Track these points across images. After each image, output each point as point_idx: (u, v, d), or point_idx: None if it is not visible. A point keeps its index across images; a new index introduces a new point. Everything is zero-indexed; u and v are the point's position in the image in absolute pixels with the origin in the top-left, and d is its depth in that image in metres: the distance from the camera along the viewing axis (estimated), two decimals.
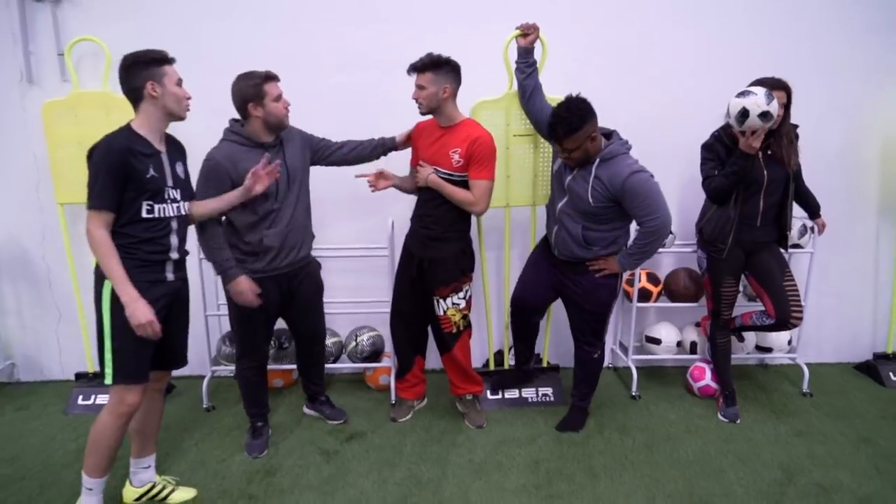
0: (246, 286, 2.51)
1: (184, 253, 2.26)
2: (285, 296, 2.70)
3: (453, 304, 2.87)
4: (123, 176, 2.02)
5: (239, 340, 2.75)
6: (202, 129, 3.17)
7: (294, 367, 3.22)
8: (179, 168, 2.24)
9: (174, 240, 2.19)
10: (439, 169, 2.69)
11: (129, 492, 2.42)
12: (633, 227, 2.69)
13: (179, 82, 2.14)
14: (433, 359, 3.16)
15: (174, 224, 2.19)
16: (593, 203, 2.53)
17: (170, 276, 2.21)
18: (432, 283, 2.84)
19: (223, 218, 2.55)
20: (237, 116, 2.52)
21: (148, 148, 2.10)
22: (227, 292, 2.58)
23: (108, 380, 2.12)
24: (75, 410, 3.17)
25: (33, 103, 3.11)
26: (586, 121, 2.45)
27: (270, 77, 2.45)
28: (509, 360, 3.39)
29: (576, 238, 2.64)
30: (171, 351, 2.31)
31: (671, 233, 3.26)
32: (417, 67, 2.60)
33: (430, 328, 3.06)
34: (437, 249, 2.81)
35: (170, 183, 2.16)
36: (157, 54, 2.07)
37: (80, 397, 3.23)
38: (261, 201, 2.48)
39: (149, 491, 2.43)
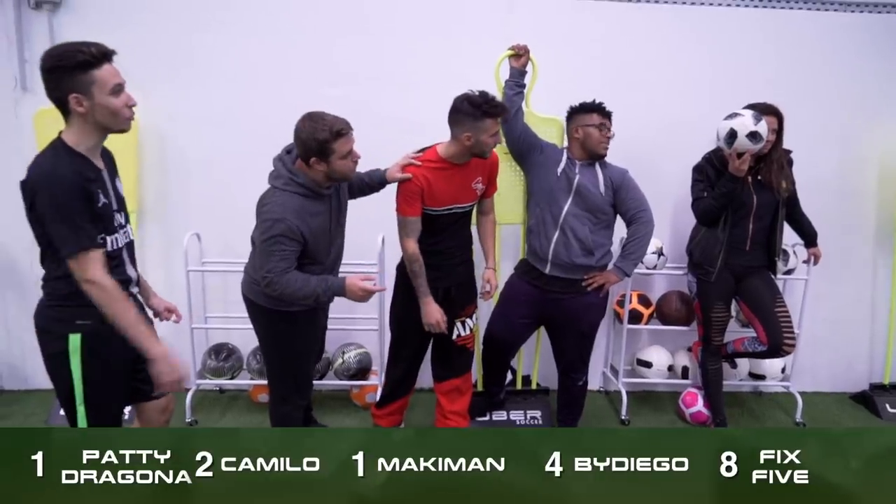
0: (364, 288, 2.20)
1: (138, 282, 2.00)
2: None
3: (476, 318, 2.86)
4: (85, 206, 1.69)
5: (292, 380, 2.46)
6: (198, 144, 3.22)
7: None
8: (119, 185, 1.91)
9: (131, 272, 1.91)
10: (459, 205, 2.57)
11: None
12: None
13: (116, 89, 1.69)
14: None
15: (125, 254, 1.89)
16: (604, 196, 2.65)
17: (143, 311, 1.98)
18: (459, 306, 2.73)
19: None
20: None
21: (92, 170, 1.75)
22: (273, 332, 2.36)
23: None
24: (56, 421, 3.12)
25: (27, 111, 3.09)
26: None
27: (340, 133, 2.11)
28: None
29: (584, 242, 2.65)
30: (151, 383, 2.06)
31: (663, 254, 3.25)
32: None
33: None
34: (466, 272, 2.76)
35: (115, 206, 1.84)
36: (83, 55, 1.63)
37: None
38: (320, 252, 2.27)
39: None
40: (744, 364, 3.39)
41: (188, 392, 3.21)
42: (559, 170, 2.69)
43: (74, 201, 1.67)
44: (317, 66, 3.16)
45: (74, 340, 1.76)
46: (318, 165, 2.15)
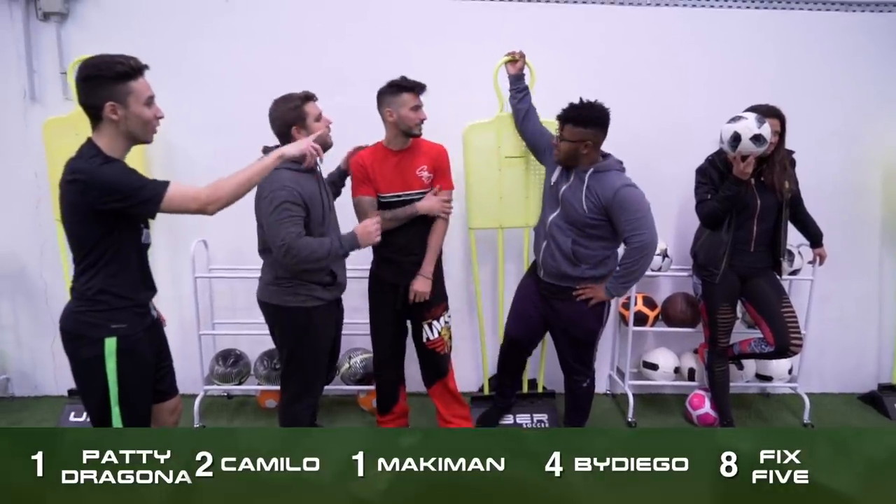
0: (371, 224, 2.40)
1: None
2: None
3: (445, 322, 2.85)
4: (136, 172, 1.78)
5: (303, 378, 2.51)
6: (203, 150, 3.25)
7: None
8: None
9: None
10: (408, 192, 2.67)
11: None
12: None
13: (149, 100, 1.80)
14: (415, 383, 3.11)
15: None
16: (587, 212, 2.50)
17: (154, 312, 2.03)
18: (423, 307, 2.78)
19: None
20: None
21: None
22: (286, 329, 2.43)
23: None
24: (67, 426, 3.14)
25: (35, 121, 3.14)
26: (592, 124, 2.48)
27: (309, 97, 2.38)
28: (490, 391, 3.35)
29: (565, 253, 2.58)
30: (168, 383, 2.13)
31: (668, 256, 3.25)
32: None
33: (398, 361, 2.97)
34: None
35: None
36: (123, 67, 1.73)
37: (72, 414, 3.21)
38: (316, 224, 2.36)
39: None
40: (750, 365, 3.38)
41: (196, 398, 3.23)
42: (553, 178, 2.67)
43: (132, 173, 1.76)
44: (319, 71, 3.16)
45: (110, 344, 1.82)
46: (298, 134, 2.31)
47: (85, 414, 3.14)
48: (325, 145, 2.41)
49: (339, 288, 2.52)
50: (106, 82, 1.73)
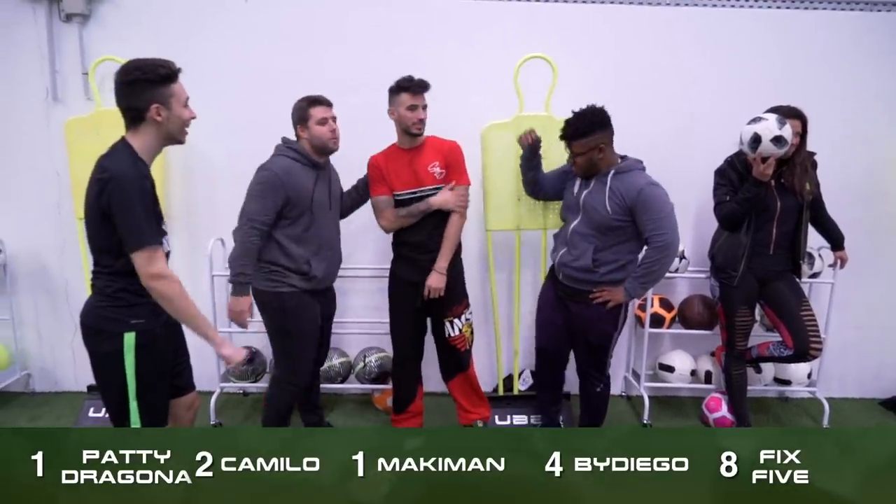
0: (247, 308, 2.52)
1: None
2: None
3: (466, 319, 2.87)
4: (151, 207, 1.82)
5: (285, 362, 2.65)
6: (220, 150, 3.28)
7: None
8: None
9: None
10: (423, 188, 2.69)
11: None
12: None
13: (186, 102, 1.88)
14: (431, 383, 3.11)
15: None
16: (611, 213, 2.47)
17: None
18: (444, 306, 2.79)
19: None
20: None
21: (150, 177, 1.87)
22: (264, 313, 2.60)
23: None
24: (86, 423, 3.19)
25: (57, 121, 3.19)
26: (595, 130, 2.46)
27: (316, 101, 2.54)
28: (519, 387, 3.35)
29: (584, 262, 2.56)
30: (185, 378, 2.16)
31: (685, 258, 3.22)
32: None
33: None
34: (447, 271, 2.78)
35: (160, 215, 1.96)
36: (165, 70, 1.80)
37: (91, 409, 3.25)
38: (295, 213, 2.51)
39: None
40: (769, 369, 3.34)
41: (212, 395, 3.26)
42: (574, 189, 2.64)
43: (146, 200, 1.80)
44: (338, 73, 3.19)
45: (129, 339, 1.85)
46: (302, 133, 2.55)
47: (104, 410, 3.20)
48: (326, 149, 2.57)
49: (316, 281, 2.60)
50: (151, 85, 1.78)
